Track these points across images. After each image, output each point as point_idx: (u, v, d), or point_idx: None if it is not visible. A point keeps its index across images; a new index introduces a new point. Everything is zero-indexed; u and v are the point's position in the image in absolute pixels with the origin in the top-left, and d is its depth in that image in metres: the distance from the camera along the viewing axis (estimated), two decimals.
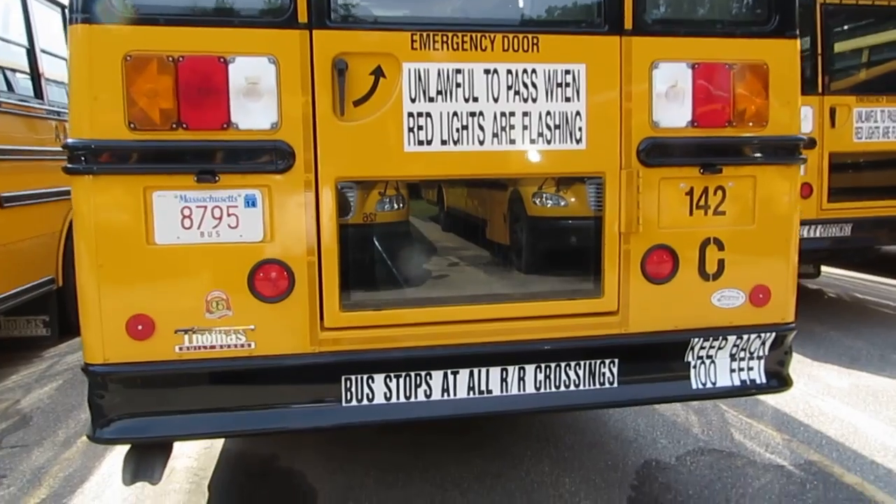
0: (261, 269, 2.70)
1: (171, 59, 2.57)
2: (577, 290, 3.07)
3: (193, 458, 3.96)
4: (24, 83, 5.89)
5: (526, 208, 3.34)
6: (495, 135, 2.85)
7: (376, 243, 3.18)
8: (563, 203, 3.35)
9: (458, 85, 2.80)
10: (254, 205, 2.69)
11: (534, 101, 2.86)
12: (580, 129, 2.91)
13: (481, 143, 2.84)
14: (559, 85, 2.87)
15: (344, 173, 2.78)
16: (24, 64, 5.90)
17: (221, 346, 2.70)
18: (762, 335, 3.10)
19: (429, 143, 2.80)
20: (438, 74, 2.78)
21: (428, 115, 2.78)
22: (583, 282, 3.07)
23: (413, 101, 2.77)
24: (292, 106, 2.67)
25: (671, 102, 2.95)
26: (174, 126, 2.59)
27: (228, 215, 2.67)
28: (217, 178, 2.63)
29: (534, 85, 2.85)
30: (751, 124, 3.02)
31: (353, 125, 2.73)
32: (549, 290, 3.12)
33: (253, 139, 2.66)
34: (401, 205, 3.20)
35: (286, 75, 2.65)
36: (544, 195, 3.34)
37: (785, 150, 3.11)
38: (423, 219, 3.40)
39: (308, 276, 2.74)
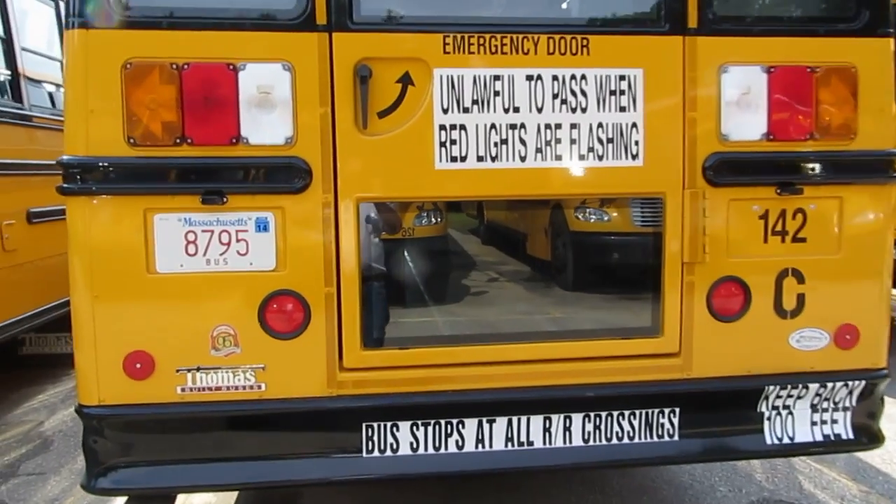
0: (273, 301, 2.36)
1: (174, 66, 2.25)
2: (632, 327, 2.64)
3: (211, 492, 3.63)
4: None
5: (567, 222, 2.94)
6: (539, 150, 2.45)
7: (409, 263, 2.83)
8: (606, 218, 2.94)
9: (496, 93, 2.42)
10: (265, 229, 2.35)
11: (583, 111, 2.46)
12: (637, 142, 2.49)
13: (523, 159, 2.45)
14: (612, 93, 2.47)
15: (367, 193, 2.42)
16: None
17: (228, 388, 2.36)
18: (849, 383, 2.62)
19: (463, 159, 2.42)
20: (474, 82, 2.40)
21: (462, 127, 2.41)
22: (639, 318, 2.64)
23: (445, 111, 2.39)
24: (309, 118, 2.33)
25: (743, 112, 2.52)
26: (178, 141, 2.28)
27: (237, 241, 2.34)
28: (225, 199, 2.31)
29: (583, 93, 2.45)
30: (836, 137, 2.56)
31: (378, 139, 2.37)
32: (600, 327, 2.69)
33: (265, 155, 2.32)
34: (438, 219, 2.85)
35: (302, 84, 2.31)
36: (587, 209, 2.94)
37: (876, 167, 2.63)
38: (462, 231, 3.04)
39: (326, 310, 2.38)
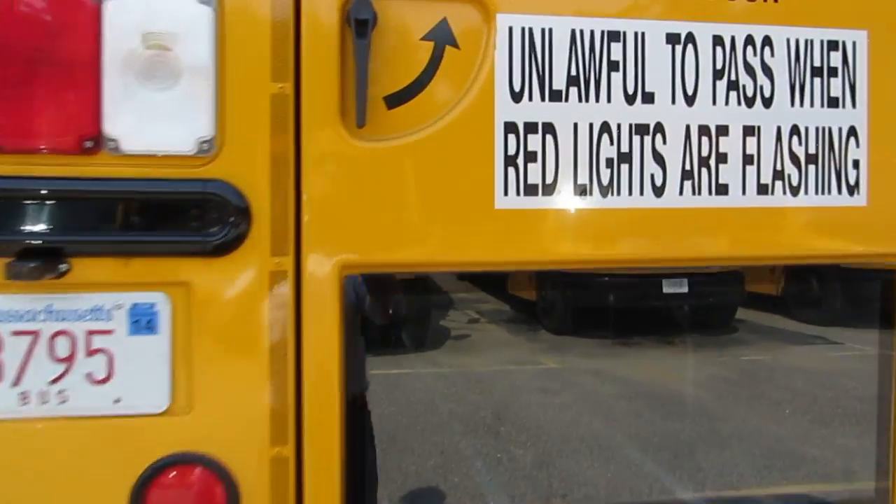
0: (162, 477, 1.10)
1: None
2: (833, 469, 1.42)
3: None
4: None
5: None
6: (687, 174, 1.26)
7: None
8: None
9: (612, 66, 1.22)
10: (150, 328, 1.11)
11: (766, 103, 1.29)
12: (856, 163, 1.32)
13: (658, 192, 1.25)
14: (817, 72, 1.30)
15: (359, 256, 1.18)
16: None
17: None
18: None
19: (547, 190, 1.21)
20: (572, 42, 1.21)
21: (548, 129, 1.21)
22: (849, 457, 1.44)
23: (517, 97, 1.20)
24: (249, 102, 1.11)
25: None
26: None
27: (89, 353, 1.11)
28: (64, 267, 1.07)
29: (766, 70, 1.28)
30: None
31: (385, 149, 1.16)
32: (779, 473, 1.47)
33: (154, 177, 1.10)
34: None
35: (236, 32, 1.10)
36: None
37: None
38: None
39: (271, 493, 1.13)
